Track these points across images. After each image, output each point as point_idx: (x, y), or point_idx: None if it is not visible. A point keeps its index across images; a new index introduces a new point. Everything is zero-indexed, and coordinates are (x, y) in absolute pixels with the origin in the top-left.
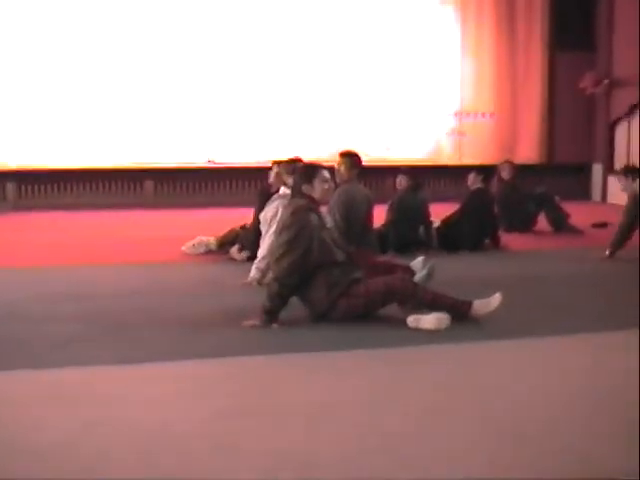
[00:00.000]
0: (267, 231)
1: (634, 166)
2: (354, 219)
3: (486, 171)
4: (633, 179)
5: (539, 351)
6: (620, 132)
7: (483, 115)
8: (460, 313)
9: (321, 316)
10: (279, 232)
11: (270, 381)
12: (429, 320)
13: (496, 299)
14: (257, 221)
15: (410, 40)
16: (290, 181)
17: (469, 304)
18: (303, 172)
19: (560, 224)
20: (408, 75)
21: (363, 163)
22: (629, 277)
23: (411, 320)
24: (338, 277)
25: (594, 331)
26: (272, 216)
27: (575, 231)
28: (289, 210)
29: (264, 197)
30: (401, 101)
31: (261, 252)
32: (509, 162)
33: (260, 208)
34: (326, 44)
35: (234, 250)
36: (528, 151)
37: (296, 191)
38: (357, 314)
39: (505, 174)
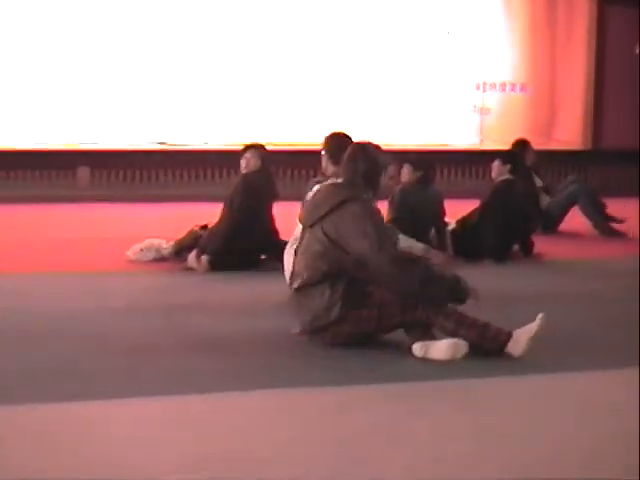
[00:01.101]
0: None
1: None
2: None
3: (515, 159)
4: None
5: (574, 390)
6: None
7: (512, 87)
8: (494, 346)
9: (318, 330)
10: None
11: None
12: (440, 348)
13: (537, 323)
14: (233, 217)
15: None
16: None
17: (508, 335)
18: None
19: (601, 226)
20: (417, 39)
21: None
22: None
23: (418, 348)
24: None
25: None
26: None
27: (619, 234)
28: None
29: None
30: (409, 73)
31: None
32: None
33: (240, 201)
34: (324, 11)
35: (192, 257)
36: (569, 133)
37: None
38: (366, 333)
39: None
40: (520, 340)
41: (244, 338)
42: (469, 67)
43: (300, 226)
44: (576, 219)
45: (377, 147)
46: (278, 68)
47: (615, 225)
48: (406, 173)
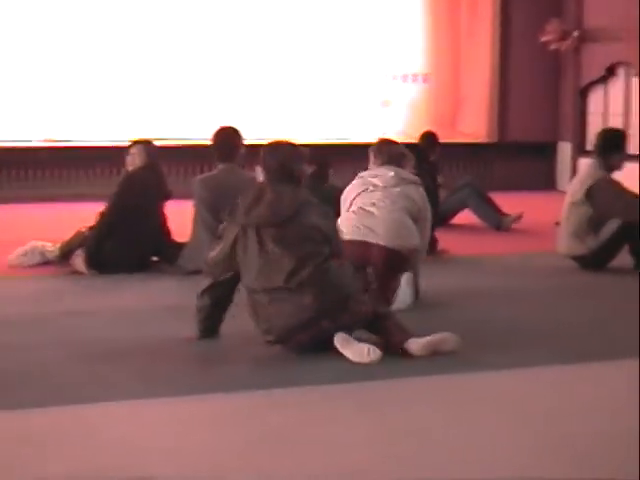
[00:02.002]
0: None
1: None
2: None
3: (418, 153)
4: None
5: (483, 389)
6: (594, 100)
7: (414, 78)
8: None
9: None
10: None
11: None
12: (355, 350)
13: (447, 342)
14: (107, 214)
15: None
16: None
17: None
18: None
19: (497, 223)
20: (319, 33)
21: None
22: (608, 295)
23: (340, 340)
24: None
25: (562, 363)
26: None
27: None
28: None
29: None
30: (312, 67)
31: None
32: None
33: (116, 198)
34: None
35: (78, 259)
36: (474, 126)
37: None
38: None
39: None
40: (420, 341)
41: (134, 344)
42: (372, 59)
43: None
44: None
45: (291, 144)
46: (174, 61)
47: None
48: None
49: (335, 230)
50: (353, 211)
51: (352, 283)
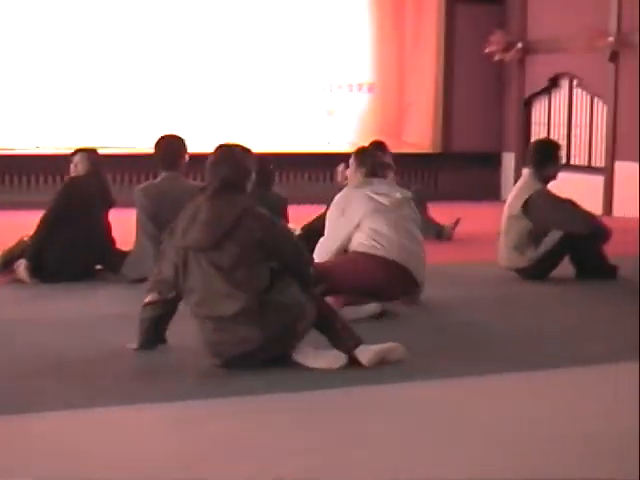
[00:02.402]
0: None
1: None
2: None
3: None
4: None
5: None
6: (538, 111)
7: (359, 88)
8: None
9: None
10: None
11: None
12: (326, 357)
13: (395, 352)
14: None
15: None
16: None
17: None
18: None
19: (435, 231)
20: (265, 42)
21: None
22: (549, 304)
23: (301, 355)
24: None
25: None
26: None
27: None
28: None
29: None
30: (255, 76)
31: None
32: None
33: (53, 205)
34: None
35: (20, 267)
36: (418, 136)
37: None
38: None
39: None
40: (369, 350)
41: (76, 354)
42: (318, 69)
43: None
44: None
45: (244, 150)
46: (119, 71)
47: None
48: None
49: (286, 239)
50: (367, 234)
51: (300, 302)
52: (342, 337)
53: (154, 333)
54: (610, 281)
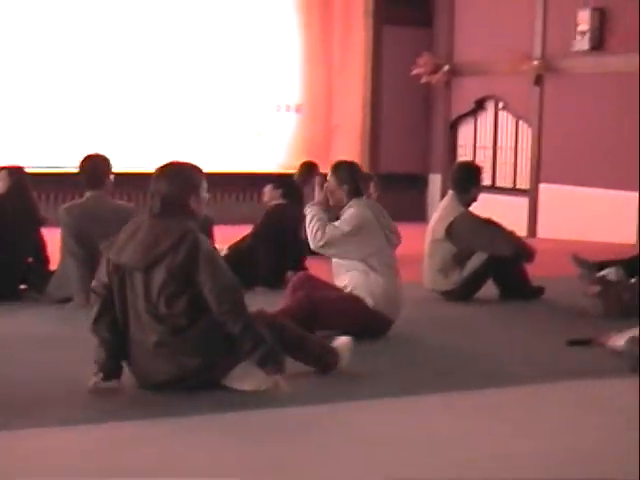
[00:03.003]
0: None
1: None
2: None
3: (287, 183)
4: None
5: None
6: (464, 133)
7: (288, 109)
8: (327, 364)
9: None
10: None
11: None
12: (252, 379)
13: (344, 345)
14: None
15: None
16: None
17: (337, 354)
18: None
19: None
20: (192, 67)
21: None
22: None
23: (228, 379)
24: None
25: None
26: None
27: None
28: None
29: None
30: (184, 97)
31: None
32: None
33: None
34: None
35: None
36: (345, 157)
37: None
38: None
39: None
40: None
41: (8, 374)
42: (247, 90)
43: None
44: None
45: (189, 166)
46: (48, 90)
47: None
48: None
49: (217, 272)
50: (367, 275)
51: (218, 349)
52: (317, 355)
53: (115, 360)
54: (535, 302)
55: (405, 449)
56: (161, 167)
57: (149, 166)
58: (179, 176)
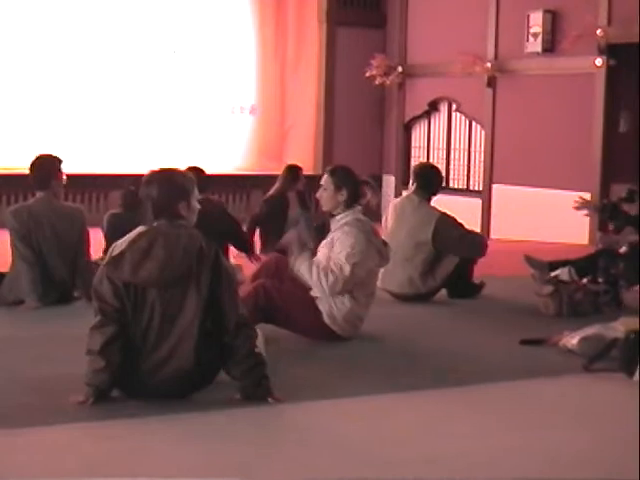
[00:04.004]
0: None
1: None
2: (36, 241)
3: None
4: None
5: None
6: (417, 135)
7: (242, 110)
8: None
9: None
10: None
11: None
12: None
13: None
14: None
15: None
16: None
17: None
18: None
19: None
20: (148, 68)
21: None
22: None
23: None
24: None
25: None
26: None
27: None
28: None
29: None
30: (140, 99)
31: None
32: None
33: None
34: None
35: None
36: (299, 158)
37: None
38: None
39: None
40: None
41: None
42: (202, 92)
43: None
44: None
45: (177, 173)
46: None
47: None
48: (117, 199)
49: (236, 292)
50: (359, 298)
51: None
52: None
53: (110, 387)
54: (487, 301)
55: (353, 449)
56: (152, 172)
57: (102, 167)
58: (169, 182)
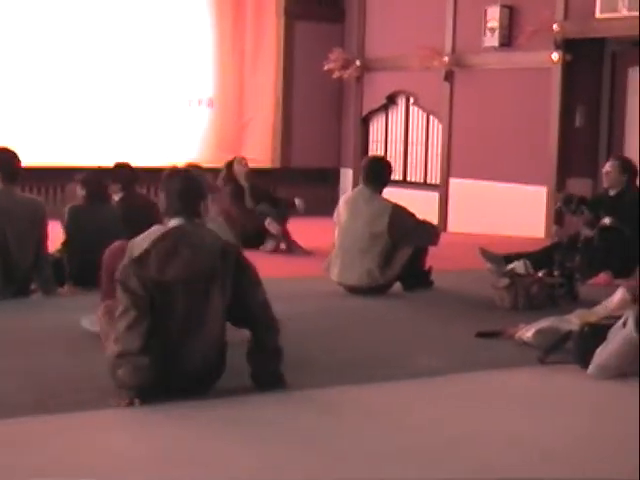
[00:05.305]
0: None
1: None
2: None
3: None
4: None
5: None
6: (375, 128)
7: (199, 103)
8: None
9: None
10: None
11: None
12: None
13: None
14: None
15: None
16: None
17: None
18: None
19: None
20: (105, 60)
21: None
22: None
23: None
24: None
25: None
26: None
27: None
28: None
29: None
30: (97, 90)
31: None
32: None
33: None
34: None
35: None
36: (258, 151)
37: None
38: None
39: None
40: None
41: None
42: (159, 83)
43: None
44: None
45: (196, 173)
46: None
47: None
48: (77, 191)
49: (261, 287)
50: None
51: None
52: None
53: (151, 373)
54: (444, 294)
55: (300, 444)
56: (174, 168)
57: (58, 160)
58: (192, 180)
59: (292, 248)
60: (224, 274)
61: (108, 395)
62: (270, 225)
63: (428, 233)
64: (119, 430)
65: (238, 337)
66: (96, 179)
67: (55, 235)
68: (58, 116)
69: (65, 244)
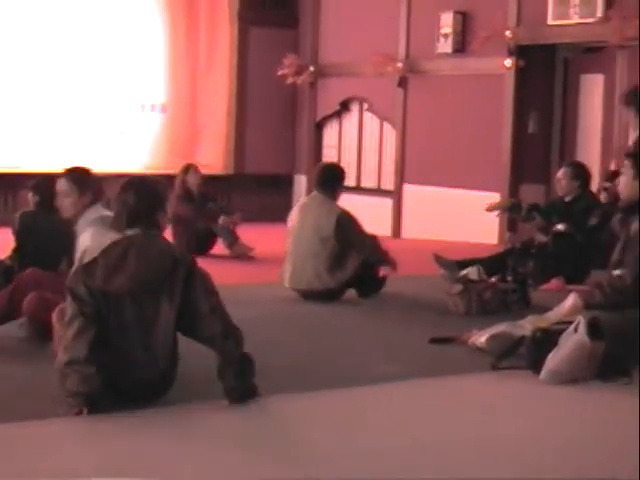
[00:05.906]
0: None
1: None
2: None
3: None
4: None
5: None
6: (329, 134)
7: (152, 108)
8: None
9: None
10: None
11: None
12: None
13: None
14: None
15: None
16: None
17: None
18: None
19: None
20: (57, 65)
21: None
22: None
23: None
24: None
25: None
26: None
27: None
28: None
29: None
30: (47, 95)
31: None
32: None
33: None
34: None
35: None
36: (211, 157)
37: None
38: None
39: None
40: None
41: None
42: (111, 88)
43: None
44: None
45: (154, 181)
46: None
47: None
48: (30, 198)
49: (216, 295)
50: None
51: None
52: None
53: (99, 381)
54: (397, 300)
55: (253, 452)
56: (130, 179)
57: (8, 166)
58: (149, 190)
59: (236, 243)
60: (173, 284)
61: (57, 404)
62: (224, 221)
63: (370, 249)
64: (68, 440)
65: None
66: (48, 185)
67: (6, 242)
68: (9, 122)
69: (16, 250)
